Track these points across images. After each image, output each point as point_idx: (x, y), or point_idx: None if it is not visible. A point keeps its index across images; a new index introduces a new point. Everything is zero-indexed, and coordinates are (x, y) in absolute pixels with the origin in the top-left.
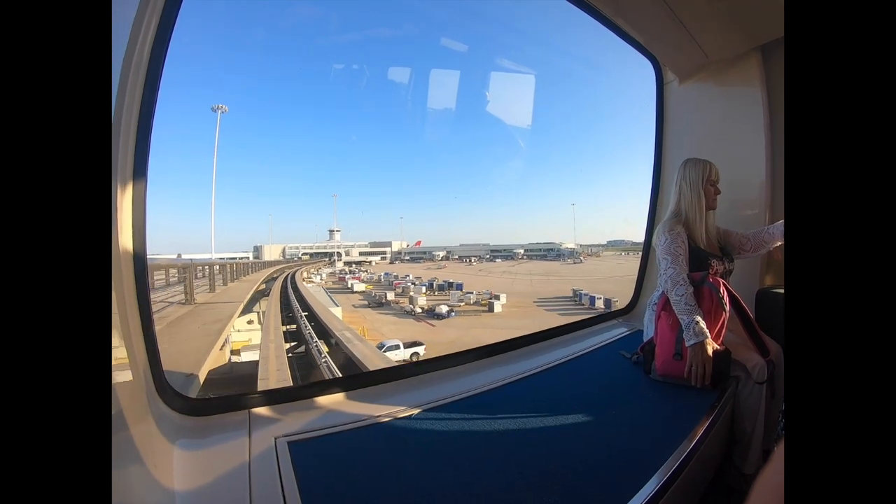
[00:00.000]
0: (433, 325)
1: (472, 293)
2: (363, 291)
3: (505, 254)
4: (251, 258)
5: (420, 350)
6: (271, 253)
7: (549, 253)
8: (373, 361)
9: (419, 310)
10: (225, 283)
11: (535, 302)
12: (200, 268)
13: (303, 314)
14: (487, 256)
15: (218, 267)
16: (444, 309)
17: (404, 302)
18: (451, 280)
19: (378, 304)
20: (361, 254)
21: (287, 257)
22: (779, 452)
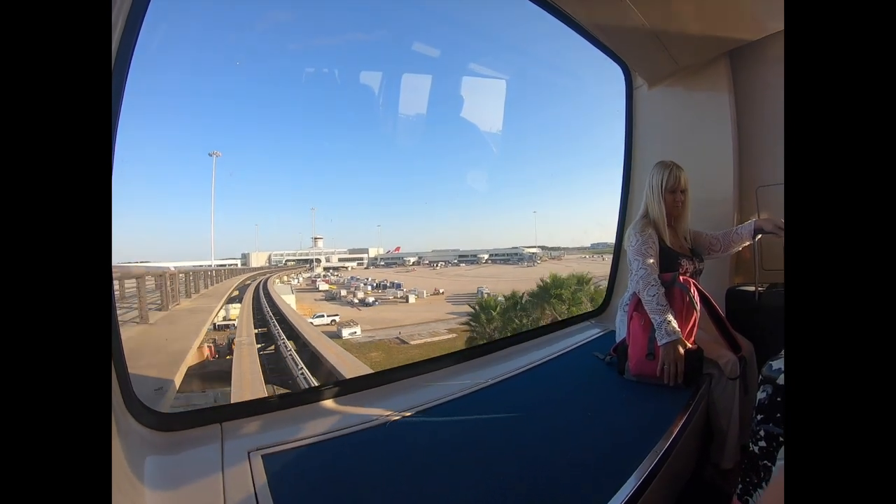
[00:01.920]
0: (359, 310)
1: (402, 290)
2: (325, 290)
3: (470, 258)
4: (240, 264)
5: (334, 318)
6: (258, 260)
7: (512, 257)
8: (304, 328)
9: (356, 300)
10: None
11: (447, 298)
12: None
13: (268, 305)
14: (454, 261)
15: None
16: (370, 300)
17: (350, 296)
18: (393, 281)
19: (332, 298)
20: (340, 260)
21: (272, 264)
22: (777, 481)
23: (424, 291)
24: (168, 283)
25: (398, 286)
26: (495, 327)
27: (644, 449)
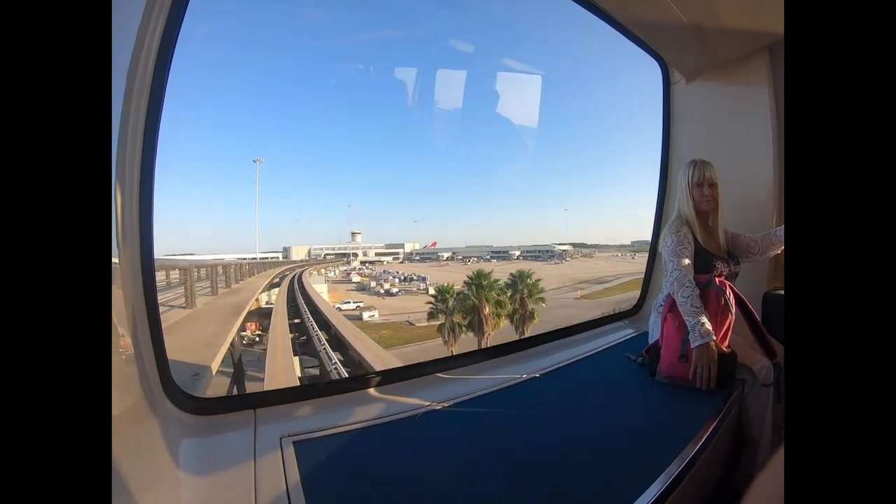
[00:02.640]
0: (383, 299)
1: (426, 283)
2: (357, 282)
3: (502, 255)
4: (281, 258)
5: (358, 304)
6: (299, 253)
7: (543, 254)
8: (329, 312)
9: (382, 291)
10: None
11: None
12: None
13: (300, 293)
14: (487, 257)
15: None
16: (394, 290)
17: (378, 287)
18: (420, 275)
19: (363, 288)
20: (377, 254)
21: (312, 257)
22: (776, 459)
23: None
24: (217, 273)
25: (423, 279)
26: (450, 305)
27: (672, 452)
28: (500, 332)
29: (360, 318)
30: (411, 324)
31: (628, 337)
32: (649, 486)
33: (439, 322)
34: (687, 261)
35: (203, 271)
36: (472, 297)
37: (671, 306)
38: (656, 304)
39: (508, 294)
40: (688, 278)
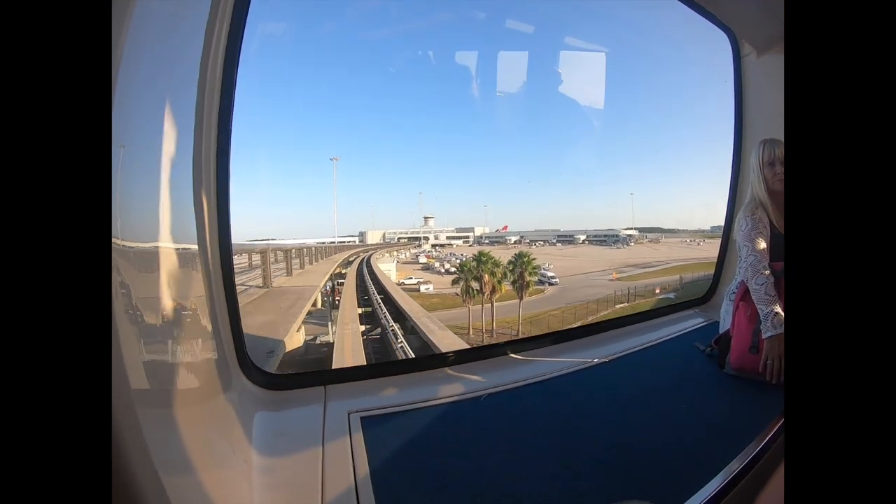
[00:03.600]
0: (442, 276)
1: None
2: (424, 262)
3: (568, 239)
4: (357, 241)
5: (419, 280)
6: (374, 237)
7: (608, 238)
8: (393, 287)
9: (443, 270)
10: None
11: None
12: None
13: (367, 273)
14: (553, 241)
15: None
16: (452, 269)
17: (440, 267)
18: None
19: (428, 268)
20: (448, 238)
21: (386, 240)
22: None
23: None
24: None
25: None
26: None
27: (734, 448)
28: (502, 293)
29: (417, 290)
30: (457, 294)
31: (698, 326)
32: (707, 483)
33: (459, 286)
34: (763, 246)
35: (280, 254)
36: (475, 270)
37: (744, 294)
38: (728, 291)
39: (510, 268)
40: (763, 264)
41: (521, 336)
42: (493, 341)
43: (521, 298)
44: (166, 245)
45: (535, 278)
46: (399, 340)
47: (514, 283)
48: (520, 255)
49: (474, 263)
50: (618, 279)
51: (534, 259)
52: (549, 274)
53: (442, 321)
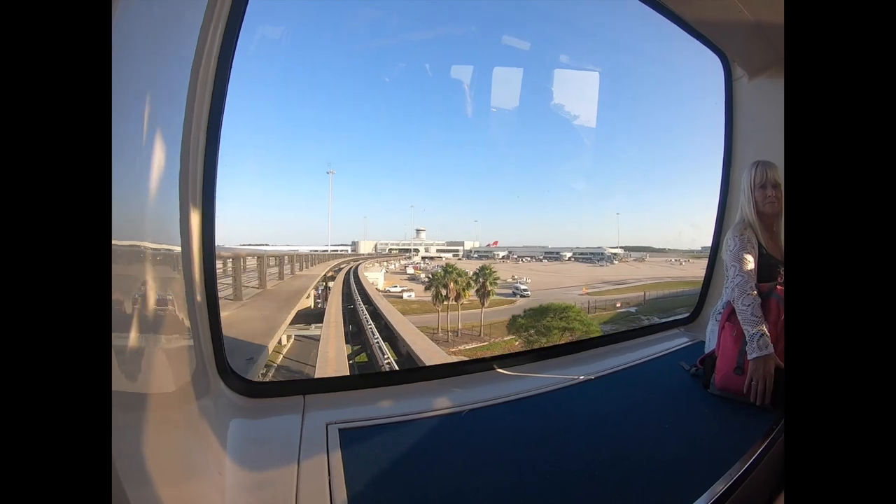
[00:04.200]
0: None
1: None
2: (411, 273)
3: (554, 256)
4: (350, 251)
5: (403, 289)
6: (366, 247)
7: (593, 256)
8: (375, 293)
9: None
10: None
11: None
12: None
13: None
14: (539, 257)
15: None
16: None
17: (425, 277)
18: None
19: (414, 278)
20: (438, 250)
21: (378, 251)
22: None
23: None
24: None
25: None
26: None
27: (718, 469)
28: (467, 299)
29: (401, 297)
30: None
31: (684, 345)
32: (693, 503)
33: (431, 291)
34: (750, 266)
35: (273, 259)
36: (443, 279)
37: (730, 314)
38: (715, 311)
39: (474, 279)
40: (750, 285)
41: (483, 336)
42: (457, 339)
43: (483, 305)
44: (148, 245)
45: (496, 288)
46: (375, 336)
47: (477, 291)
48: (483, 268)
49: (442, 273)
50: (587, 293)
51: (495, 272)
52: (522, 287)
53: (417, 324)
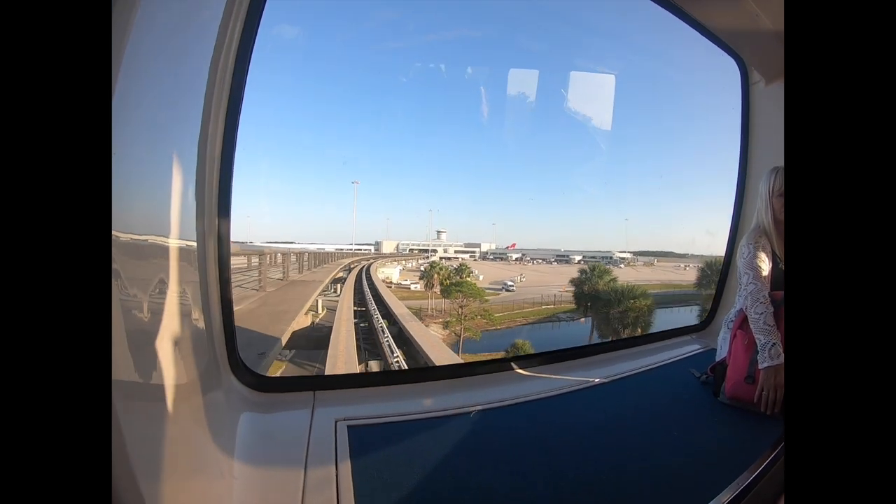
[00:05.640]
0: None
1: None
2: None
3: (565, 259)
4: (373, 250)
5: (413, 283)
6: (388, 247)
7: (602, 260)
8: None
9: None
10: None
11: (491, 282)
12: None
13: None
14: (551, 260)
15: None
16: None
17: None
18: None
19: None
20: (456, 252)
21: (399, 251)
22: None
23: (481, 276)
24: (303, 259)
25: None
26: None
27: (725, 479)
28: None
29: (409, 288)
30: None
31: (695, 352)
32: None
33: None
34: (764, 274)
35: (294, 256)
36: (429, 272)
37: (742, 322)
38: (727, 318)
39: (454, 273)
40: (763, 293)
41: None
42: (443, 318)
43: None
44: (162, 240)
45: (477, 282)
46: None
47: (457, 283)
48: (461, 266)
49: (429, 267)
50: (565, 290)
51: (471, 269)
52: (510, 283)
53: (412, 308)
